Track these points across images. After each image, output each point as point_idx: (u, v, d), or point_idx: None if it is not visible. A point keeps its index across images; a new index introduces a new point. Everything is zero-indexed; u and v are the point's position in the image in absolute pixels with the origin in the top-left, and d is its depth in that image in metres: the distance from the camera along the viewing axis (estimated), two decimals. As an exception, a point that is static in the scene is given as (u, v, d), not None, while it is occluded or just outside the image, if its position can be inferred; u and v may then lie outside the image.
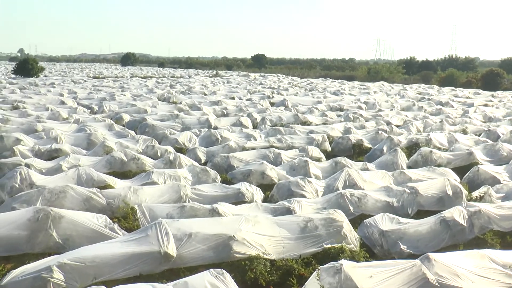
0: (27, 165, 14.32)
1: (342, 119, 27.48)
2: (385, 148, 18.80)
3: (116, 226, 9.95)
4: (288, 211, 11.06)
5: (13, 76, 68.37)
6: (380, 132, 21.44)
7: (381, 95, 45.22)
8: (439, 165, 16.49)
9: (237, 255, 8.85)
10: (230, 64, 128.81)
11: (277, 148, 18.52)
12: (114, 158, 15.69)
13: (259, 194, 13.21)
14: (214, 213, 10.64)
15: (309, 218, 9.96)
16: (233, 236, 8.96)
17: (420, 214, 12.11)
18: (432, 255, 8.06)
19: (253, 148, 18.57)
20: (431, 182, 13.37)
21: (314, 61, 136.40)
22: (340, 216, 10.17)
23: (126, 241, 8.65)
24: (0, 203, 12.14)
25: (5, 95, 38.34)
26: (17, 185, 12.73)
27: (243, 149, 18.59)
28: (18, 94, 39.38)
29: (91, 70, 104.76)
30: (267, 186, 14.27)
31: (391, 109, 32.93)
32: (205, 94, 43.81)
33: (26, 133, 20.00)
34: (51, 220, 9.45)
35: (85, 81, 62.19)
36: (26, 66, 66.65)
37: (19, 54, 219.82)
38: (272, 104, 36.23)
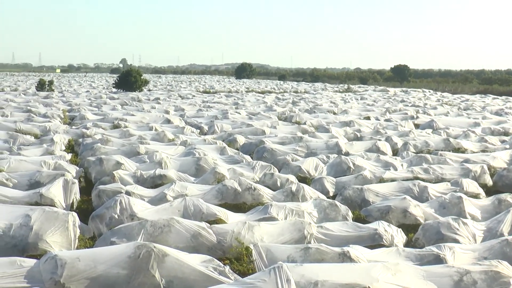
0: (128, 193, 14.97)
1: (507, 146, 26.40)
2: None
3: (227, 268, 10.04)
4: (437, 260, 10.71)
5: (114, 90, 72.38)
6: (559, 163, 20.33)
7: (560, 116, 43.03)
8: None
9: (373, 311, 8.66)
10: (364, 77, 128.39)
11: (423, 180, 18.07)
12: (226, 188, 16.02)
13: (400, 237, 12.93)
14: (345, 257, 10.50)
15: (465, 270, 9.55)
16: (369, 287, 8.79)
17: None
18: None
19: (392, 180, 18.27)
20: None
21: (469, 73, 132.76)
22: (506, 269, 9.66)
23: (239, 288, 8.73)
24: (98, 236, 12.78)
25: (105, 111, 40.64)
26: (116, 216, 13.31)
27: (381, 180, 18.34)
28: (119, 111, 41.62)
29: (200, 84, 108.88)
30: (410, 227, 13.98)
31: None
32: (334, 113, 43.88)
33: (127, 155, 20.95)
34: (153, 258, 9.73)
35: (193, 96, 64.54)
36: (128, 79, 70.23)
37: (121, 65, 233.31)
38: (416, 126, 35.57)
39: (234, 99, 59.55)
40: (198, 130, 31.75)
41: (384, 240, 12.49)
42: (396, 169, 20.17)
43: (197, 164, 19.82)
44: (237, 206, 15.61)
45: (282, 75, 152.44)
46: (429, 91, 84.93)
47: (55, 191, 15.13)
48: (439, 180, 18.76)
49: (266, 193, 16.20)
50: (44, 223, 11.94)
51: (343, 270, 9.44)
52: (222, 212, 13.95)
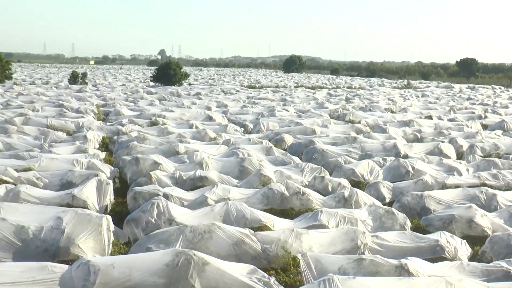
0: (166, 196, 15.12)
1: None
2: None
3: (272, 280, 10.06)
4: (507, 276, 10.57)
5: (151, 84, 73.08)
6: None
7: None
8: None
9: (433, 331, 8.62)
10: (426, 72, 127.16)
11: (491, 187, 17.90)
12: (272, 192, 16.05)
13: (464, 249, 12.80)
14: (402, 271, 10.43)
15: (538, 288, 9.45)
16: (429, 304, 8.75)
17: None
18: None
19: (457, 186, 18.10)
20: None
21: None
22: None
23: (285, 301, 8.77)
24: (134, 241, 12.95)
25: (142, 107, 41.09)
26: (153, 220, 13.47)
27: (443, 186, 18.19)
28: (157, 107, 42.06)
29: (245, 78, 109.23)
30: (475, 239, 13.83)
31: None
32: (392, 111, 43.78)
33: (166, 155, 21.19)
34: (193, 267, 9.80)
35: (237, 91, 64.85)
36: (167, 72, 70.83)
37: (159, 57, 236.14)
38: (484, 126, 35.14)
39: (282, 95, 59.64)
40: (242, 129, 31.81)
41: (446, 252, 12.36)
42: (460, 174, 19.97)
43: (240, 166, 19.92)
44: (284, 212, 15.64)
45: (334, 69, 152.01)
46: (500, 88, 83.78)
47: (88, 192, 15.39)
48: (510, 187, 18.53)
49: (315, 198, 16.20)
50: (76, 226, 12.15)
51: (400, 284, 9.40)
52: (267, 218, 13.99)
